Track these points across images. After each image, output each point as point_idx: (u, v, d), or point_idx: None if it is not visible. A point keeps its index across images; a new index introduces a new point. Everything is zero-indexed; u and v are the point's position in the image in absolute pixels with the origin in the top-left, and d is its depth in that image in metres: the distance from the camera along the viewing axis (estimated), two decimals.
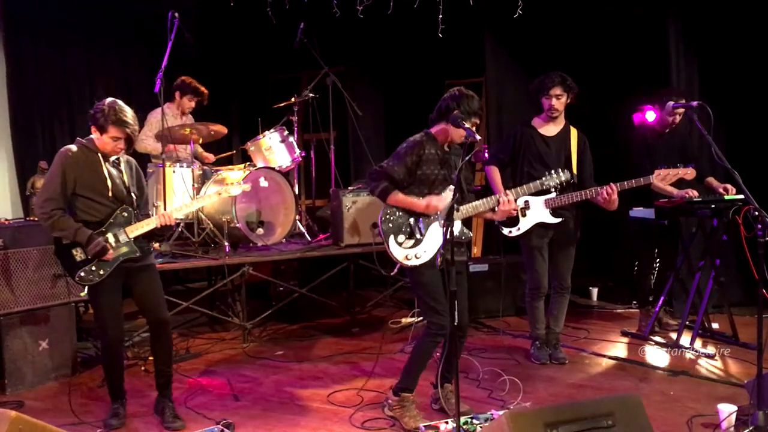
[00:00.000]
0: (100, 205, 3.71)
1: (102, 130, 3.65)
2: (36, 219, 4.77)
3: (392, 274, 3.91)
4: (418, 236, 3.69)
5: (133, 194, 3.83)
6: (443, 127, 3.73)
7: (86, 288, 3.76)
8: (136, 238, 3.76)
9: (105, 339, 3.81)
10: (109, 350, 3.85)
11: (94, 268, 3.66)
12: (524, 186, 4.01)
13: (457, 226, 3.74)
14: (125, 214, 3.76)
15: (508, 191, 3.87)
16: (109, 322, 3.77)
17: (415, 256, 3.66)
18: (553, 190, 4.11)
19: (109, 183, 3.72)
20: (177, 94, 6.13)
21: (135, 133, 3.72)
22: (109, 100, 3.70)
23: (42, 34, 6.78)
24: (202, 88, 6.18)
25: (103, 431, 3.73)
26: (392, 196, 3.68)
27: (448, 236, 3.15)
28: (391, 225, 3.70)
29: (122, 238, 3.72)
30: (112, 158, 3.78)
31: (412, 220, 3.72)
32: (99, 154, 3.73)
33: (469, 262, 6.30)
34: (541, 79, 4.69)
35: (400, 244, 3.68)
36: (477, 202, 3.83)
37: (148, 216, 3.88)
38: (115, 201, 3.75)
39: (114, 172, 3.77)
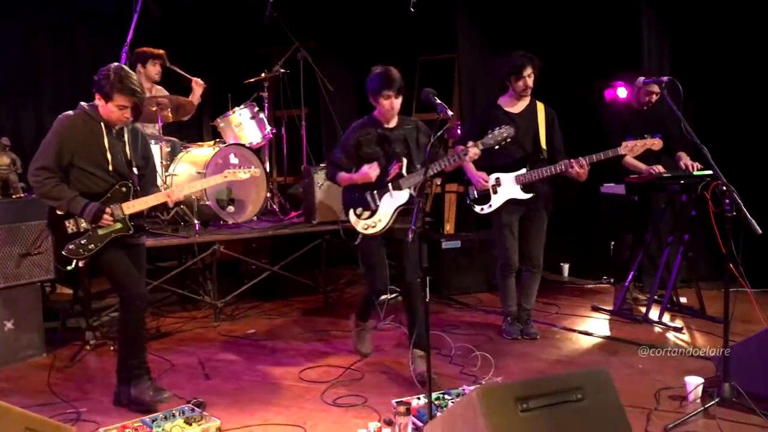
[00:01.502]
0: (99, 179, 3.58)
1: (107, 98, 3.46)
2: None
3: (356, 243, 4.34)
4: (373, 207, 4.10)
5: (135, 168, 3.67)
6: (379, 108, 4.07)
7: (74, 262, 3.61)
8: (131, 216, 3.65)
9: (128, 300, 3.65)
10: (133, 310, 3.66)
11: (83, 242, 3.56)
12: (480, 141, 4.09)
13: (405, 195, 4.05)
14: (124, 190, 3.63)
15: (473, 143, 4.09)
16: (130, 284, 3.64)
17: (371, 226, 4.10)
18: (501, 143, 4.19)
19: (110, 156, 3.56)
20: (139, 66, 5.97)
21: (143, 100, 3.56)
22: (115, 65, 3.51)
23: (3, 7, 6.57)
24: (158, 51, 6.02)
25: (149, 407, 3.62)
26: (337, 179, 4.18)
27: (418, 210, 3.45)
28: (349, 199, 4.17)
29: (117, 213, 3.59)
30: (116, 128, 3.62)
31: (368, 193, 4.10)
32: (102, 124, 3.55)
33: (442, 239, 6.32)
34: (510, 62, 4.65)
35: (358, 216, 4.13)
36: (437, 162, 4.03)
37: (155, 186, 3.77)
38: (116, 175, 3.61)
39: (116, 144, 3.61)
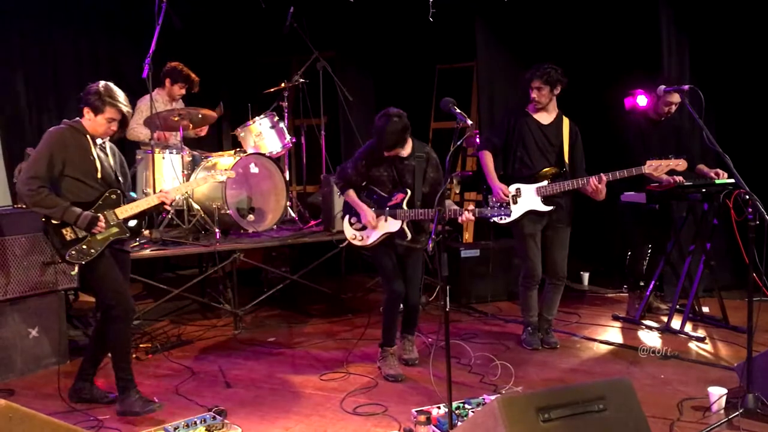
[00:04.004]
0: (89, 188, 3.75)
1: (98, 111, 3.70)
2: (23, 206, 4.73)
3: (341, 246, 4.92)
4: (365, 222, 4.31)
5: (120, 178, 3.90)
6: None
7: (76, 267, 3.77)
8: (125, 220, 3.82)
9: (118, 311, 3.76)
10: (122, 323, 3.79)
11: (84, 247, 3.70)
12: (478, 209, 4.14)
13: (396, 225, 4.21)
14: (114, 197, 3.82)
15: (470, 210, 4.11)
16: (122, 295, 3.78)
17: (358, 238, 4.34)
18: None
19: (98, 165, 3.76)
20: (168, 81, 6.07)
21: (130, 114, 3.81)
22: (102, 82, 3.77)
23: (28, 19, 6.67)
24: (193, 75, 6.12)
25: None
26: (346, 195, 4.37)
27: (438, 220, 3.48)
28: (349, 207, 4.39)
29: (111, 219, 3.77)
30: (99, 142, 3.82)
31: None
32: (88, 137, 3.76)
33: (461, 247, 6.32)
34: (531, 70, 4.68)
35: (351, 225, 4.38)
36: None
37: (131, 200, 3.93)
38: (104, 184, 3.80)
39: (101, 155, 3.82)
